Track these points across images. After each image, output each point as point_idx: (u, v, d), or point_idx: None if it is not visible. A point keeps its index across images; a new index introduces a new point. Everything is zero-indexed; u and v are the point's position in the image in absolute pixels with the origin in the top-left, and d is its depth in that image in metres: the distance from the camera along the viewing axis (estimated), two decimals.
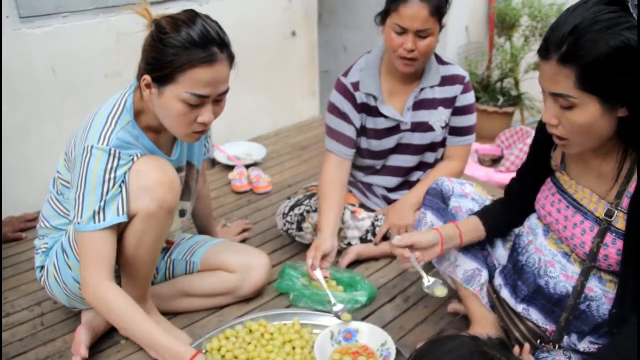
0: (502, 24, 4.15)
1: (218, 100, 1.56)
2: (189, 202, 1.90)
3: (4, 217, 2.48)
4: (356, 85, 2.19)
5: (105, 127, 1.53)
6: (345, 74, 2.23)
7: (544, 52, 1.26)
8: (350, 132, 2.21)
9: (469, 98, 2.20)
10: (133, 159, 1.55)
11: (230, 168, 3.01)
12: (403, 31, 2.00)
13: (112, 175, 1.51)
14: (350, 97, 2.19)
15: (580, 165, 1.45)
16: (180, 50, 1.44)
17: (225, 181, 2.92)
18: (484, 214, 1.72)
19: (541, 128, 1.52)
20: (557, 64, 1.23)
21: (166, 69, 1.46)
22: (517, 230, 1.75)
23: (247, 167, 3.01)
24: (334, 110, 2.23)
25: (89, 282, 1.54)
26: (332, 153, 2.23)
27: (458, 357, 1.01)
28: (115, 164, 1.51)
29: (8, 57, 2.34)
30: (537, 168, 1.60)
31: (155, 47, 1.47)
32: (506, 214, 1.71)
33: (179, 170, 1.77)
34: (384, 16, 2.06)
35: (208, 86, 1.49)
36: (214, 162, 3.09)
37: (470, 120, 2.23)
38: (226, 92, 1.56)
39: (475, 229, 1.69)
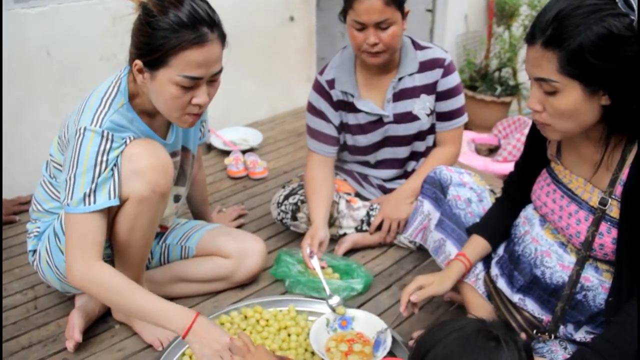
0: (501, 12, 4.13)
1: (212, 81, 1.53)
2: (184, 187, 1.88)
3: None
4: (331, 83, 2.16)
5: (98, 109, 1.50)
6: (321, 72, 2.21)
7: (530, 37, 1.28)
8: (329, 130, 2.19)
9: (452, 80, 2.14)
10: (125, 142, 1.53)
11: (226, 153, 3.00)
12: (362, 26, 1.96)
13: (105, 158, 1.48)
14: (326, 95, 2.17)
15: (574, 154, 1.45)
16: (169, 33, 1.41)
17: (221, 166, 2.91)
18: (486, 228, 1.72)
19: None
20: (541, 48, 1.25)
21: (156, 52, 1.43)
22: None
23: (243, 152, 2.99)
24: (312, 109, 2.21)
25: (75, 265, 1.50)
26: (314, 152, 2.22)
27: (463, 336, 0.99)
28: (108, 146, 1.49)
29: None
30: (534, 158, 1.60)
31: (143, 30, 1.44)
32: (507, 213, 1.70)
33: (174, 154, 1.75)
34: (344, 14, 2.03)
35: (200, 67, 1.46)
36: (209, 147, 3.07)
37: (456, 102, 2.18)
38: (219, 72, 1.53)
39: (480, 248, 1.71)
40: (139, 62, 1.47)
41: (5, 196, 2.50)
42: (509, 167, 3.22)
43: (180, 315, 1.48)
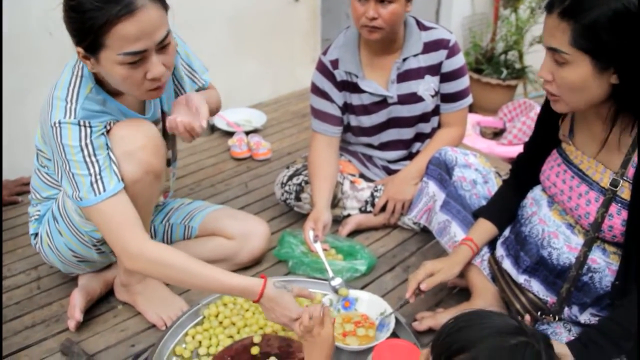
0: None
1: (162, 48, 1.39)
2: (171, 150, 1.83)
3: None
4: (335, 63, 2.14)
5: (67, 99, 1.44)
6: (325, 52, 2.18)
7: (549, 6, 1.27)
8: (333, 110, 2.17)
9: (457, 62, 2.11)
10: (106, 126, 1.47)
11: (230, 134, 2.98)
12: None
13: (89, 144, 1.43)
14: (329, 76, 2.15)
15: (587, 134, 1.43)
16: (94, 12, 1.29)
17: (224, 147, 2.89)
18: (493, 211, 1.72)
19: None
20: (557, 18, 1.24)
21: (89, 36, 1.32)
22: None
23: (247, 133, 2.98)
24: (316, 90, 2.19)
25: (131, 249, 1.45)
26: (318, 133, 2.20)
27: (506, 346, 0.92)
28: (88, 132, 1.43)
29: (3, 17, 2.28)
30: (545, 139, 1.58)
31: (70, 16, 1.35)
32: (514, 196, 1.69)
33: (155, 123, 1.68)
34: None
35: (139, 39, 1.33)
36: (213, 128, 3.05)
37: (461, 84, 2.15)
38: (166, 36, 1.38)
39: (487, 232, 1.71)
40: (80, 50, 1.37)
41: (8, 177, 2.50)
42: (514, 150, 3.22)
43: (245, 292, 1.48)
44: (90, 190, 1.43)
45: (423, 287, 1.60)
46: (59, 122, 1.42)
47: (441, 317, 1.70)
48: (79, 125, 1.42)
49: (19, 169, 2.51)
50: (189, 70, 1.78)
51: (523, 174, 1.68)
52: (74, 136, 1.42)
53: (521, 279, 1.56)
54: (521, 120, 3.35)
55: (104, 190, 1.43)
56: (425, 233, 2.18)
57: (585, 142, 1.44)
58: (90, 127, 1.44)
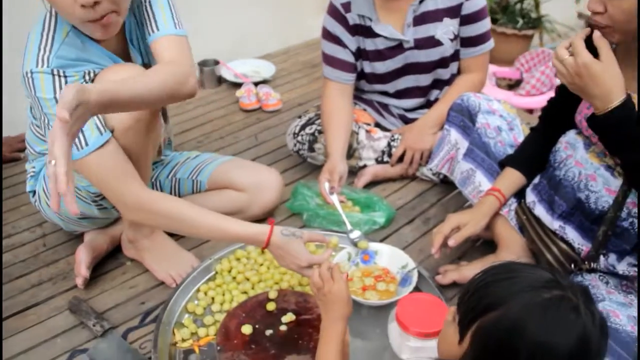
0: None
1: None
2: None
3: None
4: (347, 6, 2.01)
5: (40, 47, 1.34)
6: None
7: None
8: (346, 56, 2.06)
9: (477, 3, 1.99)
10: (84, 76, 1.38)
11: (238, 85, 2.87)
12: None
13: None
14: (341, 19, 2.03)
15: (628, 71, 1.32)
16: None
17: (232, 99, 2.79)
18: (521, 160, 1.62)
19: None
20: None
21: None
22: None
23: (255, 84, 2.87)
24: (327, 34, 2.08)
25: (127, 200, 1.40)
26: (331, 81, 2.09)
27: (541, 302, 0.84)
28: (63, 82, 1.34)
29: None
30: None
31: None
32: (544, 143, 1.58)
33: None
34: None
35: None
36: (220, 80, 2.95)
37: (482, 27, 2.03)
38: None
39: (515, 182, 1.63)
40: None
41: (9, 133, 2.42)
42: (532, 101, 3.11)
43: (251, 240, 1.46)
44: (72, 145, 1.34)
45: (451, 243, 1.53)
46: (31, 72, 1.33)
47: (465, 270, 1.63)
48: (52, 74, 1.33)
49: (20, 125, 2.41)
50: (147, 13, 1.51)
51: (555, 118, 1.58)
52: (47, 88, 1.33)
53: (556, 224, 1.47)
54: (540, 70, 3.22)
55: (87, 145, 1.36)
56: (444, 184, 2.09)
57: (627, 79, 1.33)
58: (65, 76, 1.34)
